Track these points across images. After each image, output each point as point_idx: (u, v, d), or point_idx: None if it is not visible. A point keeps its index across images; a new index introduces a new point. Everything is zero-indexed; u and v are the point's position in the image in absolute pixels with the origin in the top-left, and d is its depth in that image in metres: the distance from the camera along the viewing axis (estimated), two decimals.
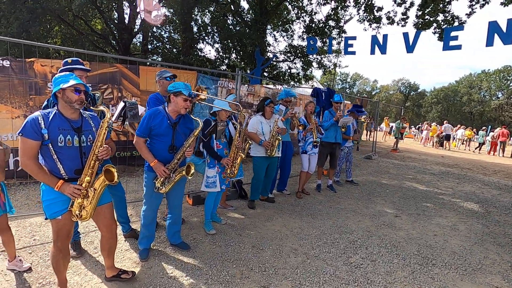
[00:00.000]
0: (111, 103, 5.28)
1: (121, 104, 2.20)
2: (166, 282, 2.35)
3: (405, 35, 6.70)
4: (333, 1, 9.02)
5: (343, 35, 10.00)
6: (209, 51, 14.24)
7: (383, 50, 7.02)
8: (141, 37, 16.08)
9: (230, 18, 12.18)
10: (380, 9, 8.52)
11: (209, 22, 11.69)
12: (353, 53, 7.68)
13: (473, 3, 7.13)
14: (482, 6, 7.06)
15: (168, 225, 2.88)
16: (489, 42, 5.59)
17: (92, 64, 5.12)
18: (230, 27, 11.01)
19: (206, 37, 12.06)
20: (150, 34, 13.96)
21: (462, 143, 17.01)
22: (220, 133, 3.04)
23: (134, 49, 18.47)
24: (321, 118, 5.47)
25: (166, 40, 13.78)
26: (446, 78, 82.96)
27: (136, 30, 14.90)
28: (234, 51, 10.88)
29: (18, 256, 2.49)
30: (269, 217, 3.88)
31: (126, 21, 14.13)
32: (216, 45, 12.61)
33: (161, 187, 2.58)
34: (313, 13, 10.05)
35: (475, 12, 7.15)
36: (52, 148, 1.88)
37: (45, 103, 2.52)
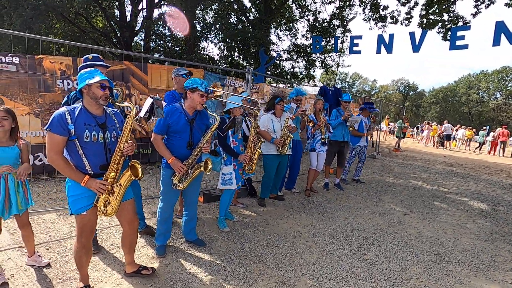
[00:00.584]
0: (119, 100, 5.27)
1: (149, 100, 2.20)
2: (186, 278, 2.37)
3: (412, 35, 6.73)
4: (338, 0, 9.07)
5: (348, 34, 10.03)
6: (211, 49, 14.23)
7: (389, 50, 7.05)
8: (142, 35, 16.06)
9: (233, 16, 12.19)
10: (385, 8, 8.56)
11: (212, 20, 11.67)
12: (359, 52, 7.72)
13: (479, 3, 7.17)
14: (487, 6, 7.11)
15: (185, 222, 2.89)
16: (496, 42, 5.62)
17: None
18: (233, 25, 11.00)
19: (209, 35, 12.05)
20: (152, 32, 13.94)
21: (462, 143, 17.10)
22: (238, 127, 3.05)
23: (136, 47, 18.44)
24: (329, 116, 5.49)
25: (169, 38, 13.72)
26: (445, 79, 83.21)
27: (137, 28, 14.87)
28: (237, 50, 10.87)
29: (37, 252, 2.50)
30: (280, 214, 3.90)
31: (128, 18, 14.10)
32: (219, 44, 12.64)
33: (179, 184, 2.59)
34: (317, 12, 10.08)
35: (480, 12, 7.21)
36: (78, 144, 1.89)
37: (65, 99, 2.51)
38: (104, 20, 16.20)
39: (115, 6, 14.90)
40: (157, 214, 2.77)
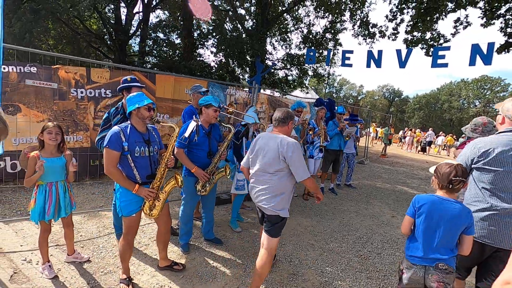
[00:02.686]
0: None
1: (193, 123, 2.61)
2: (211, 271, 2.76)
3: (398, 52, 7.36)
4: (330, 15, 9.65)
5: (339, 47, 10.64)
6: (208, 56, 14.55)
7: (378, 65, 7.66)
8: (138, 38, 16.22)
9: (228, 24, 12.60)
10: (374, 25, 9.21)
11: (209, 28, 12.05)
12: (350, 65, 8.29)
13: (457, 24, 7.90)
14: (465, 27, 7.84)
15: (205, 223, 3.28)
16: (472, 62, 6.30)
17: (113, 72, 5.42)
18: (230, 34, 11.42)
19: (206, 43, 12.42)
20: (148, 36, 14.15)
21: (443, 149, 18.10)
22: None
23: (130, 50, 18.54)
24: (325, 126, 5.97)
25: (165, 43, 13.96)
26: (428, 85, 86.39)
27: (132, 31, 15.04)
28: (234, 58, 11.29)
29: (76, 250, 2.83)
30: None
31: (123, 22, 14.24)
32: (214, 50, 13.02)
33: (202, 190, 2.98)
34: (310, 25, 10.64)
35: (459, 32, 7.94)
36: (130, 158, 2.26)
37: (106, 115, 2.88)
38: (99, 22, 16.28)
39: (111, 10, 15.01)
40: (179, 216, 3.14)
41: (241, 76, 12.70)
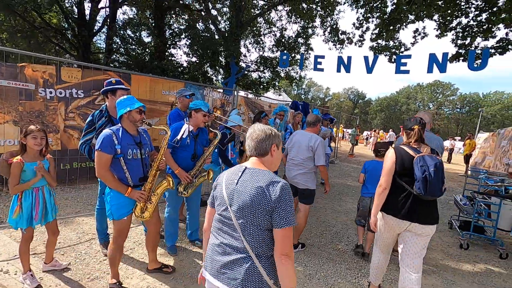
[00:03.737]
0: None
1: (186, 126, 2.64)
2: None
3: (366, 58, 7.88)
4: (302, 21, 10.03)
5: (311, 52, 11.09)
6: (180, 56, 14.26)
7: (347, 70, 8.11)
8: (104, 35, 15.46)
9: (201, 25, 12.51)
10: (344, 32, 9.75)
11: (182, 28, 11.89)
12: (322, 70, 8.69)
13: (416, 34, 8.66)
14: (422, 37, 8.63)
15: (188, 225, 3.31)
16: (429, 70, 6.93)
17: (85, 71, 5.19)
18: (203, 34, 11.38)
19: (178, 42, 12.23)
20: (116, 33, 13.56)
21: None
22: (237, 141, 3.59)
23: (95, 47, 17.59)
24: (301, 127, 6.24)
25: (134, 41, 13.48)
26: (389, 89, 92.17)
27: (98, 27, 14.33)
28: (207, 59, 11.25)
29: (54, 257, 2.73)
30: None
31: (87, 17, 13.50)
32: (187, 50, 12.85)
33: (184, 192, 3.02)
34: (283, 29, 10.96)
35: (417, 42, 8.71)
36: (123, 161, 2.26)
37: (90, 118, 2.80)
38: (60, 16, 15.25)
39: (73, 4, 14.18)
40: (164, 218, 3.15)
41: (214, 77, 12.68)
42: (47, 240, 2.59)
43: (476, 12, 7.98)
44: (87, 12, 13.49)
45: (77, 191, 4.81)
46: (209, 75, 12.64)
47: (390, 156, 2.32)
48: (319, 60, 8.55)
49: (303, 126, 5.90)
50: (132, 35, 13.62)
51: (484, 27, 7.91)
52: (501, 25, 7.54)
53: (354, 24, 10.07)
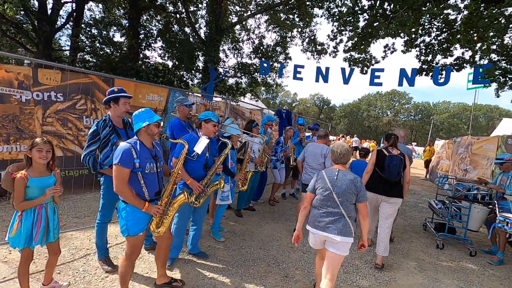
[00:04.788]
0: (84, 114, 5.09)
1: (205, 140, 2.61)
2: (210, 282, 2.82)
3: (343, 70, 8.36)
4: (280, 30, 10.32)
5: (289, 61, 11.44)
6: (154, 58, 13.72)
7: (325, 80, 8.54)
8: (67, 31, 14.46)
9: (176, 28, 12.26)
10: (321, 44, 10.21)
11: (157, 29, 11.57)
12: (301, 79, 9.04)
13: (386, 49, 9.37)
14: (391, 52, 9.35)
15: (193, 236, 3.27)
16: (400, 83, 7.59)
17: (64, 73, 4.87)
18: (181, 38, 11.19)
19: (153, 44, 11.87)
20: (84, 31, 12.75)
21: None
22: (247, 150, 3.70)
23: (57, 44, 16.36)
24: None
25: (104, 40, 12.75)
26: (352, 96, 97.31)
27: (62, 23, 13.40)
28: (184, 63, 11.06)
29: (53, 278, 2.55)
30: (257, 223, 4.55)
31: (49, 11, 12.56)
32: (162, 53, 12.49)
33: (195, 202, 3.00)
34: (262, 37, 11.17)
35: (387, 56, 9.41)
36: (141, 175, 2.21)
37: (94, 127, 2.67)
38: (17, 8, 13.98)
39: None
40: (173, 229, 3.09)
41: (190, 82, 12.47)
42: (47, 260, 2.41)
43: (437, 32, 8.86)
44: (50, 6, 12.55)
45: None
46: (185, 79, 12.41)
47: (374, 153, 3.75)
48: (298, 69, 8.90)
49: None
50: (102, 33, 12.92)
51: (444, 46, 8.81)
52: (458, 45, 8.46)
53: (328, 35, 10.58)
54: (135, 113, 2.32)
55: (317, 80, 8.65)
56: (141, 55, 11.45)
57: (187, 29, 12.17)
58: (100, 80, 5.32)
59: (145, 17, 11.34)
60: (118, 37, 12.23)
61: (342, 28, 10.36)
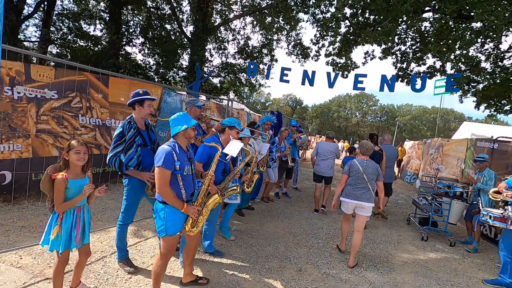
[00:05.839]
0: (80, 112, 4.91)
1: (239, 144, 2.70)
2: (231, 279, 2.94)
3: (328, 74, 8.77)
4: (266, 33, 10.52)
5: (274, 63, 11.68)
6: (135, 54, 13.21)
7: (311, 83, 8.90)
8: (39, 22, 13.47)
9: (158, 23, 11.97)
10: (307, 48, 10.58)
11: (139, 25, 11.24)
12: (287, 81, 9.33)
13: (366, 56, 9.97)
14: (371, 59, 9.98)
15: (206, 235, 3.36)
16: (381, 89, 8.15)
17: (58, 71, 4.66)
18: (165, 35, 10.98)
19: (134, 40, 11.51)
20: (53, 22, 11.97)
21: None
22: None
23: (24, 35, 15.14)
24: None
25: (79, 33, 12.08)
26: (323, 97, 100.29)
27: (29, 12, 12.49)
28: (168, 61, 10.87)
29: (80, 281, 2.53)
30: (260, 222, 4.72)
31: None
32: (144, 49, 12.12)
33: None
34: (247, 38, 11.29)
35: (367, 62, 10.02)
36: (180, 177, 2.28)
37: (120, 129, 2.67)
38: None
39: None
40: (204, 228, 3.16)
41: (172, 80, 12.25)
42: (77, 262, 2.39)
43: (412, 42, 9.61)
44: None
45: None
46: (167, 77, 12.17)
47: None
48: (285, 72, 9.17)
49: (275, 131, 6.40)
50: (75, 26, 12.22)
51: (418, 55, 9.57)
52: (430, 55, 9.24)
53: (311, 40, 10.99)
54: (172, 117, 2.38)
55: (303, 83, 8.98)
56: (122, 52, 11.05)
57: (169, 26, 11.93)
58: (95, 78, 5.15)
59: (126, 12, 10.93)
60: (98, 32, 11.60)
61: (325, 33, 10.81)
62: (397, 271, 3.58)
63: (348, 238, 4.18)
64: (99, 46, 11.12)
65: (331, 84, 8.74)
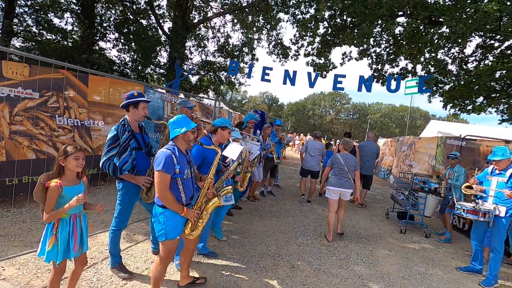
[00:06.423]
0: (57, 112, 4.64)
1: (239, 147, 2.68)
2: (228, 279, 2.97)
3: (309, 74, 8.97)
4: (246, 32, 10.51)
5: (255, 62, 11.70)
6: (109, 50, 12.56)
7: (292, 83, 9.06)
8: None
9: (132, 17, 11.52)
10: (288, 48, 10.71)
11: (114, 21, 10.77)
12: (269, 81, 9.42)
13: (344, 57, 10.31)
14: (349, 60, 10.34)
15: (200, 236, 3.35)
16: (359, 89, 8.49)
17: (32, 68, 4.37)
18: (142, 31, 10.62)
19: (108, 35, 11.01)
20: (16, 13, 11.11)
21: None
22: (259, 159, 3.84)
23: None
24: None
25: (48, 26, 11.31)
26: (298, 95, 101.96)
27: None
28: (145, 58, 10.52)
29: None
30: (249, 221, 4.77)
31: None
32: (115, 43, 11.62)
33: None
34: (228, 36, 11.21)
35: (345, 63, 10.37)
36: (180, 180, 2.27)
37: (114, 132, 2.58)
38: None
39: None
40: None
41: (150, 77, 11.88)
42: (73, 272, 2.29)
43: (386, 44, 10.08)
44: None
45: (29, 212, 4.05)
46: (143, 74, 11.79)
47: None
48: (267, 71, 9.25)
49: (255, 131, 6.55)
50: (42, 17, 11.42)
51: (391, 57, 10.06)
52: (402, 57, 9.76)
53: (291, 39, 11.16)
54: (172, 119, 2.35)
55: (284, 83, 9.12)
56: (96, 47, 10.52)
57: (145, 22, 11.54)
58: (73, 76, 4.89)
59: (99, 6, 10.40)
60: (69, 25, 10.90)
61: (304, 33, 11.02)
62: (381, 264, 3.80)
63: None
64: (69, 40, 10.50)
65: (311, 84, 8.95)
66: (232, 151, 2.75)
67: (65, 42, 10.51)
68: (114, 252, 2.82)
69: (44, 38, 11.53)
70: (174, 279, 2.87)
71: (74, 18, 10.07)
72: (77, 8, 10.05)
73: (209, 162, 3.03)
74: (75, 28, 10.46)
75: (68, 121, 4.85)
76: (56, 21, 11.08)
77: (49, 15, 10.47)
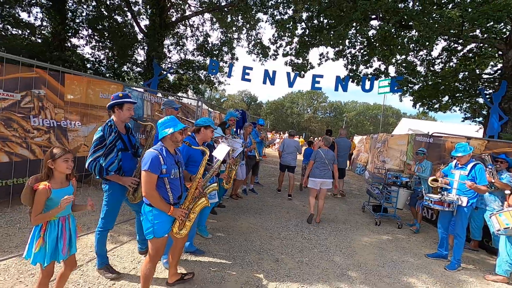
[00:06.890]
0: (31, 113, 4.47)
1: (226, 148, 2.74)
2: (216, 275, 3.07)
3: (288, 74, 9.19)
4: (226, 31, 10.51)
5: (235, 61, 11.73)
6: (83, 47, 11.97)
7: (272, 82, 9.24)
8: None
9: (105, 13, 11.16)
10: (267, 47, 10.86)
11: (86, 15, 10.39)
12: (249, 80, 9.53)
13: (321, 57, 10.64)
14: (325, 60, 10.68)
15: (188, 236, 3.42)
16: (336, 89, 8.83)
17: (7, 66, 4.18)
18: (117, 28, 10.34)
19: (80, 32, 10.60)
20: None
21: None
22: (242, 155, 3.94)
23: None
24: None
25: (13, 20, 10.63)
26: (277, 94, 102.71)
27: None
28: (121, 56, 10.25)
29: None
30: (232, 218, 4.88)
31: None
32: (88, 41, 11.20)
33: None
34: (207, 35, 11.15)
35: (322, 63, 10.70)
36: (167, 180, 2.33)
37: (100, 133, 2.59)
38: None
39: None
40: None
41: (126, 75, 11.56)
42: (61, 274, 2.29)
43: (361, 46, 10.52)
44: None
45: (4, 217, 3.90)
46: (119, 72, 11.46)
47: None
48: (247, 71, 9.36)
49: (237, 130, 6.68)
50: (8, 11, 10.75)
51: (365, 58, 10.52)
52: (375, 58, 10.24)
53: (270, 39, 11.33)
54: (160, 120, 2.40)
55: (264, 82, 9.28)
56: (68, 44, 10.08)
57: (120, 18, 11.21)
58: (48, 75, 4.73)
59: (71, 1, 9.98)
60: (38, 21, 10.33)
61: (282, 33, 11.23)
62: (359, 254, 4.05)
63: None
64: (37, 36, 9.99)
65: (291, 84, 9.18)
66: (220, 151, 2.84)
67: (33, 38, 9.97)
68: (101, 253, 2.82)
69: (9, 33, 10.88)
70: (162, 277, 2.92)
71: (44, 13, 9.58)
72: (46, 2, 9.58)
73: (194, 161, 3.12)
74: (44, 24, 9.95)
75: (44, 122, 4.69)
76: (24, 15, 10.47)
77: (15, 9, 9.88)
